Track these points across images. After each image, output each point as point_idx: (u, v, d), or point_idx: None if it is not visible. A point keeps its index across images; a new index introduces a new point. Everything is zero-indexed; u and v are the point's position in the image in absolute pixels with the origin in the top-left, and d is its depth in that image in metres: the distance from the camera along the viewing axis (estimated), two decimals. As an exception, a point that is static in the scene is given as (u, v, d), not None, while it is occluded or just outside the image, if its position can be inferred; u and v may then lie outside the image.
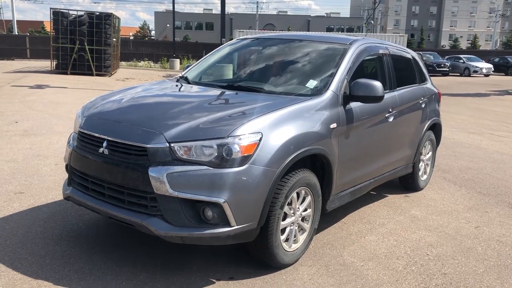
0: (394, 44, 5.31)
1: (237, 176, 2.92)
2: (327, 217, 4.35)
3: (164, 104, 3.69)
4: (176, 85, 4.23)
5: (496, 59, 40.33)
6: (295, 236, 3.47)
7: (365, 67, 4.42)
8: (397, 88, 4.75)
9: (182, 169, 2.90)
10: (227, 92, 3.82)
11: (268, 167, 3.03)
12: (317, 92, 3.73)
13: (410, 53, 5.51)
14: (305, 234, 3.57)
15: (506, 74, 37.68)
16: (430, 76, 6.11)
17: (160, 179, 2.88)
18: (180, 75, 4.63)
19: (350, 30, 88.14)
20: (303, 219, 3.52)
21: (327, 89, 3.73)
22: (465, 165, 7.02)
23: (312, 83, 3.85)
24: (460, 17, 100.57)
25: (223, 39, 14.99)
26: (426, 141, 5.53)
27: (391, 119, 4.47)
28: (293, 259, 3.46)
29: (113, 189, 3.14)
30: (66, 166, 3.74)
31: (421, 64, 5.71)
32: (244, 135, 2.98)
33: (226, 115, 3.19)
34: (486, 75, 35.40)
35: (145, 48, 37.57)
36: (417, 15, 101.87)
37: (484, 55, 43.32)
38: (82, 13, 20.56)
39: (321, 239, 3.96)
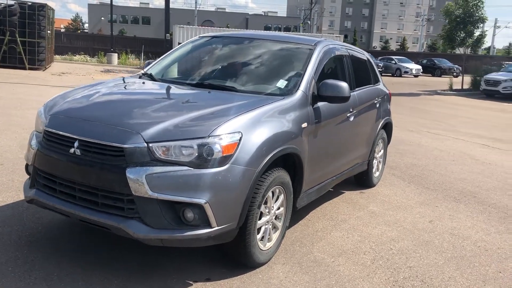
0: (351, 46, 5.47)
1: (218, 177, 2.90)
2: (292, 215, 4.40)
3: (136, 102, 3.56)
4: (143, 82, 4.10)
5: (424, 61, 42.64)
6: (269, 235, 3.49)
7: (328, 68, 4.51)
8: (356, 89, 4.90)
9: (161, 170, 2.83)
10: (199, 90, 3.76)
11: (248, 167, 3.03)
12: (288, 92, 3.78)
13: (365, 55, 5.70)
14: (278, 233, 3.60)
15: (433, 75, 39.94)
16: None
17: (139, 181, 2.79)
18: (142, 71, 4.50)
19: (287, 29, 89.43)
20: (276, 217, 3.55)
21: (297, 89, 3.78)
22: (410, 162, 7.38)
23: (282, 83, 3.89)
24: (390, 20, 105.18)
25: (167, 34, 14.68)
26: (379, 139, 5.75)
27: (351, 119, 4.62)
28: (268, 257, 3.48)
29: (85, 191, 3.00)
30: (27, 166, 3.53)
31: (374, 65, 5.93)
32: (224, 135, 2.95)
33: (203, 114, 3.15)
34: (416, 76, 37.35)
35: (80, 41, 36.04)
36: (351, 16, 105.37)
37: (413, 57, 45.60)
38: (13, 2, 19.34)
39: (289, 237, 4.01)
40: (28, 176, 3.54)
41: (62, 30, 63.18)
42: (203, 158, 2.88)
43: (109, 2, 31.18)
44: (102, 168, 2.89)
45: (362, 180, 5.70)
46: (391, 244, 4.07)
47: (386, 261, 3.72)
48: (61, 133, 3.10)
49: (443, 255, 3.92)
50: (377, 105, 5.51)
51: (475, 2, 22.52)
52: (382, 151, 6.01)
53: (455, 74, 38.14)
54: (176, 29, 31.21)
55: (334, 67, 4.65)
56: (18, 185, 4.75)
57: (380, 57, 40.54)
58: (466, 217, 4.93)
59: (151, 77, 4.29)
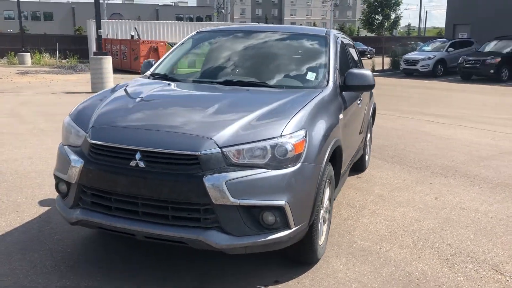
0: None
1: (293, 176, 2.82)
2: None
3: (185, 106, 3.34)
4: (169, 84, 3.85)
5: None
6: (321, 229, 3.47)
7: (340, 57, 4.53)
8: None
9: (239, 175, 2.69)
10: (237, 89, 3.61)
11: (316, 163, 2.98)
12: (319, 84, 3.75)
13: (351, 42, 5.80)
14: (326, 226, 3.59)
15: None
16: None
17: (219, 188, 2.63)
18: (150, 72, 4.23)
19: (199, 19, 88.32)
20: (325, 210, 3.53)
21: (328, 80, 3.77)
22: (380, 143, 7.66)
23: (311, 75, 3.85)
24: (298, 6, 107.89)
25: (99, 30, 13.87)
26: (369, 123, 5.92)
27: (360, 105, 4.70)
28: (323, 252, 3.47)
29: (151, 205, 2.78)
30: (58, 185, 3.18)
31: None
32: (294, 133, 2.87)
33: (262, 113, 3.03)
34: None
35: (-21, 42, 32.90)
36: (261, 4, 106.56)
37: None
38: None
39: (324, 229, 4.01)
40: (59, 194, 3.21)
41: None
42: (278, 159, 2.78)
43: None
44: (175, 179, 2.68)
45: (357, 164, 5.82)
46: (418, 224, 4.22)
47: (425, 241, 3.85)
48: (116, 145, 2.82)
49: (468, 229, 4.14)
50: (368, 91, 5.65)
51: (391, -14, 23.75)
52: (369, 134, 6.19)
53: (368, 56, 40.05)
54: (91, 24, 29.65)
55: (341, 55, 4.68)
56: (11, 205, 4.30)
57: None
58: (463, 191, 5.24)
59: (166, 78, 4.04)
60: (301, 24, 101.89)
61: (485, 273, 3.32)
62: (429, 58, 22.89)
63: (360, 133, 5.11)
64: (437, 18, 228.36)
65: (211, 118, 2.99)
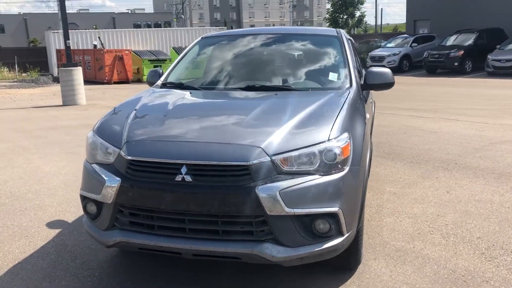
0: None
1: (343, 181, 2.73)
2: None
3: (222, 115, 3.19)
4: (191, 93, 3.68)
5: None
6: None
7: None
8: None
9: (292, 183, 2.58)
10: (265, 94, 3.50)
11: (361, 166, 2.91)
12: (343, 84, 3.69)
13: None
14: (357, 228, 3.52)
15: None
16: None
17: (274, 198, 2.52)
18: (161, 81, 4.05)
19: (157, 25, 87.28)
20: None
21: (351, 80, 3.71)
22: (373, 140, 7.68)
23: (333, 76, 3.78)
24: (256, 8, 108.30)
25: (67, 40, 13.39)
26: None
27: (372, 103, 4.68)
28: (362, 255, 3.39)
29: (199, 220, 2.63)
30: (85, 206, 2.98)
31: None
32: (339, 137, 2.79)
33: (302, 118, 2.93)
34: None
35: None
36: (219, 8, 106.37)
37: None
38: None
39: (352, 231, 3.94)
40: (87, 216, 3.01)
41: None
42: (326, 164, 2.69)
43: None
44: (225, 192, 2.55)
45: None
46: (441, 219, 4.21)
47: (455, 236, 3.84)
48: (158, 160, 2.65)
49: (491, 221, 4.16)
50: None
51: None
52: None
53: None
54: (50, 35, 28.77)
55: (354, 53, 4.66)
56: (18, 230, 4.03)
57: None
58: (470, 183, 5.29)
59: (182, 87, 3.88)
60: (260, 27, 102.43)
61: (525, 265, 3.33)
62: (394, 54, 23.39)
63: (371, 131, 5.09)
64: (390, 15, 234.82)
65: (251, 126, 2.87)
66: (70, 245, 3.73)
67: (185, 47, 26.44)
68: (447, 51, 20.82)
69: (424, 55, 21.82)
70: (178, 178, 2.59)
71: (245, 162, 2.56)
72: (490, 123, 9.06)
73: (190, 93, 3.68)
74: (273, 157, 2.61)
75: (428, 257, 3.47)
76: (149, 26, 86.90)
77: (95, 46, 25.86)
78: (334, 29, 4.46)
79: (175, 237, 2.66)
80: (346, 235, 2.75)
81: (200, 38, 4.57)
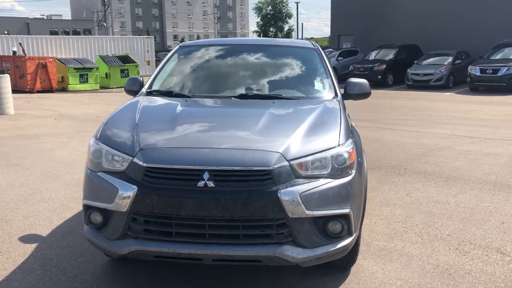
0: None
1: (352, 184, 2.90)
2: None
3: (233, 122, 3.26)
4: (186, 100, 3.67)
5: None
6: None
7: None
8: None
9: (309, 187, 2.71)
10: (262, 102, 3.60)
11: (363, 170, 3.10)
12: (328, 93, 3.89)
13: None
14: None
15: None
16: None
17: (295, 202, 2.63)
18: (145, 89, 3.99)
19: (76, 33, 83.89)
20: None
21: (335, 90, 3.92)
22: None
23: (319, 86, 3.97)
24: (180, 18, 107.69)
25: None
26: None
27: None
28: (356, 255, 3.58)
29: (220, 225, 2.66)
30: (88, 216, 2.88)
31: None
32: (346, 143, 2.97)
33: (309, 125, 3.08)
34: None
35: None
36: (141, 17, 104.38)
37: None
38: None
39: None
40: (89, 226, 2.92)
41: None
42: (337, 168, 2.85)
43: None
44: (248, 196, 2.61)
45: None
46: (411, 220, 4.52)
47: (428, 235, 4.15)
48: (179, 167, 2.65)
49: (454, 219, 4.53)
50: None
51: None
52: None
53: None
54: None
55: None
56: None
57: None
58: (424, 186, 5.69)
59: (171, 94, 3.87)
60: (184, 37, 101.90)
61: (495, 257, 3.69)
62: (322, 67, 24.37)
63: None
64: (308, 30, 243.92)
65: (265, 133, 2.98)
66: (55, 259, 3.55)
67: (112, 56, 25.32)
68: (371, 65, 22.12)
69: (350, 68, 22.97)
70: (201, 184, 2.62)
71: (268, 167, 2.65)
72: (422, 131, 9.76)
73: (186, 100, 3.68)
74: (291, 162, 2.72)
75: (411, 254, 3.73)
76: (66, 33, 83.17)
77: (14, 52, 24.28)
78: (309, 41, 4.67)
79: (194, 243, 2.66)
80: (354, 235, 2.92)
81: (178, 46, 4.57)
